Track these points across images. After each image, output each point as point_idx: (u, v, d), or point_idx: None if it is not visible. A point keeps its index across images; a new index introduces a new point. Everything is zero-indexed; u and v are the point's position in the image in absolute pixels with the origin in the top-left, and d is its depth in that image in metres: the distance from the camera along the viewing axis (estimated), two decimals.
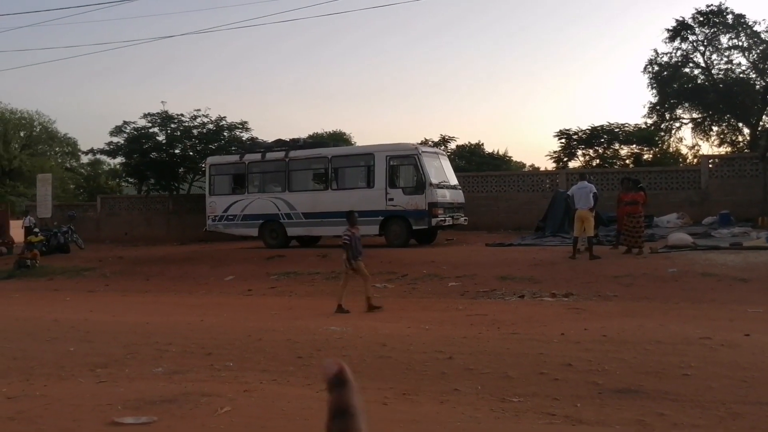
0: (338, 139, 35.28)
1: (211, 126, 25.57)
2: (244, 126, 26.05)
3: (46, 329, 8.26)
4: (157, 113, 25.64)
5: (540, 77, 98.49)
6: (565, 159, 26.75)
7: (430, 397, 4.76)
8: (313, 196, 17.59)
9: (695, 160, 27.82)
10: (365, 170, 16.92)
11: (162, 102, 50.13)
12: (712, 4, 26.65)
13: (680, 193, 19.27)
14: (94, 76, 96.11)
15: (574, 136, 26.37)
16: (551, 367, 5.34)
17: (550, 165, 27.30)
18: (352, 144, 32.09)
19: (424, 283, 11.89)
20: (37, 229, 21.32)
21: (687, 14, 28.51)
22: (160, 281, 14.75)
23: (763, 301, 8.82)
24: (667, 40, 27.96)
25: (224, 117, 25.67)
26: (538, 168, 36.37)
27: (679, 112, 29.66)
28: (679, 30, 27.48)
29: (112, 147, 26.04)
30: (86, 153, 32.55)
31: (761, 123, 27.42)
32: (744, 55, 27.61)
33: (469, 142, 33.52)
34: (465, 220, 17.07)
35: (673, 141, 30.37)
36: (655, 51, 28.95)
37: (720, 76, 27.72)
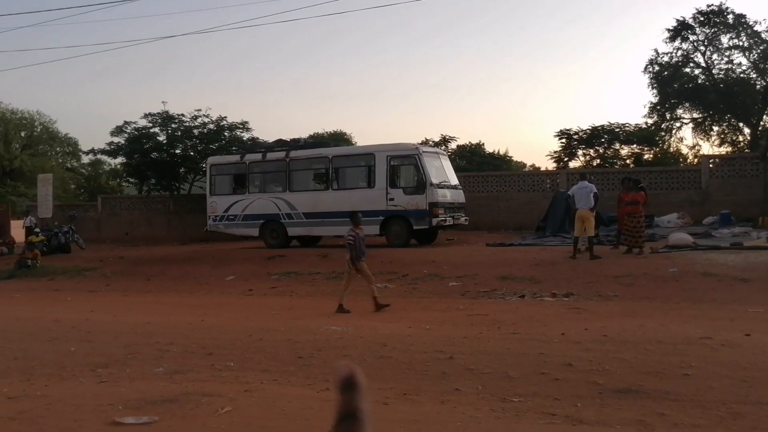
0: (339, 139, 35.29)
1: (211, 126, 25.59)
2: (244, 126, 26.09)
3: (47, 329, 8.27)
4: (158, 113, 25.67)
5: (540, 77, 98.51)
6: (566, 159, 26.75)
7: (430, 397, 4.76)
8: (314, 196, 17.60)
9: (696, 160, 27.81)
10: (366, 170, 16.93)
11: (163, 102, 50.30)
12: (712, 4, 26.68)
13: (681, 193, 19.27)
14: (95, 76, 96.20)
15: (575, 136, 26.36)
16: (552, 367, 5.34)
17: (551, 165, 27.33)
18: (353, 144, 32.10)
19: (425, 283, 11.89)
20: (38, 229, 21.35)
21: (687, 14, 28.54)
22: (161, 281, 14.76)
23: (763, 301, 8.81)
24: (667, 40, 27.99)
25: (225, 117, 25.74)
26: (539, 168, 36.39)
27: (679, 112, 29.67)
28: (680, 30, 27.47)
29: (112, 147, 26.07)
30: (87, 153, 32.63)
31: (762, 123, 27.42)
32: (744, 55, 27.62)
33: (469, 142, 33.56)
34: (466, 220, 17.07)
35: (674, 141, 30.41)
36: (656, 51, 28.99)
37: (720, 76, 27.72)
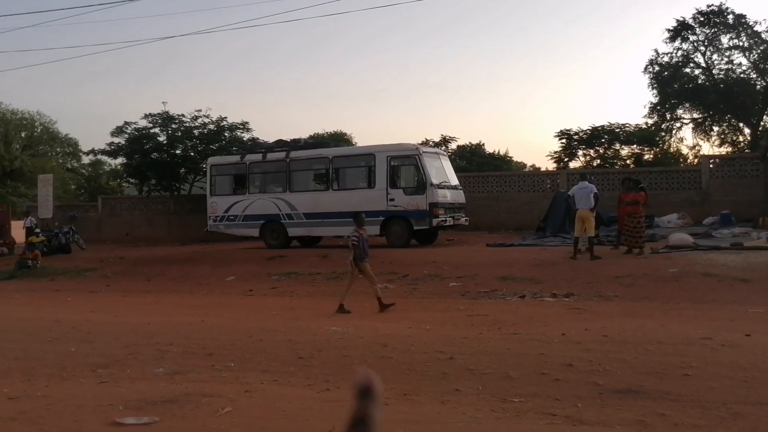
0: (339, 139, 35.29)
1: (212, 126, 25.60)
2: (245, 126, 26.11)
3: (47, 330, 8.27)
4: (158, 114, 25.70)
5: (540, 77, 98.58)
6: (566, 159, 26.75)
7: (431, 397, 4.76)
8: (314, 197, 17.60)
9: (696, 161, 27.81)
10: (366, 170, 16.93)
11: (163, 102, 50.12)
12: (712, 4, 26.70)
13: (681, 194, 19.26)
14: (96, 77, 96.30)
15: (575, 137, 26.36)
16: (552, 368, 5.34)
17: (551, 165, 27.34)
18: (353, 144, 32.10)
19: (425, 283, 11.89)
20: (38, 230, 21.38)
21: (688, 14, 28.56)
22: (162, 282, 14.76)
23: (763, 301, 8.81)
24: (667, 40, 28.01)
25: (225, 117, 25.76)
26: (539, 168, 36.38)
27: (679, 112, 29.68)
28: (680, 30, 27.48)
29: (113, 147, 26.09)
30: (87, 153, 32.67)
31: (762, 123, 27.43)
32: (744, 55, 27.63)
33: (469, 143, 33.54)
34: (466, 220, 17.07)
35: (674, 141, 30.42)
36: (656, 51, 29.02)
37: (721, 76, 27.73)
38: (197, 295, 12.89)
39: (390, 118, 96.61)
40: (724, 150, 28.91)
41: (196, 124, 25.64)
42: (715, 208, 18.19)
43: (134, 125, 25.94)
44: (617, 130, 25.92)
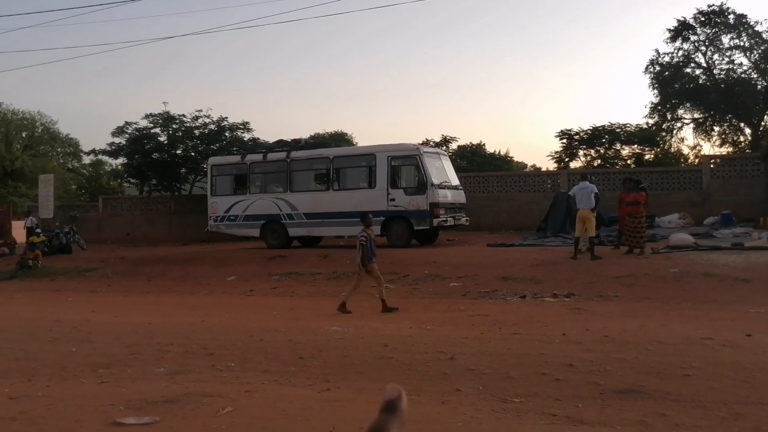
0: (339, 139, 35.30)
1: (212, 126, 25.62)
2: (245, 126, 26.12)
3: (48, 330, 8.28)
4: (159, 114, 25.71)
5: (540, 77, 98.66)
6: (567, 159, 26.73)
7: (431, 397, 4.76)
8: (315, 197, 17.60)
9: (697, 161, 27.79)
10: (367, 170, 16.92)
11: (164, 102, 50.29)
12: (713, 4, 26.68)
13: (682, 194, 19.25)
14: (96, 77, 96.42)
15: (576, 137, 26.35)
16: (553, 368, 5.33)
17: (552, 165, 27.32)
18: (354, 144, 32.11)
19: (426, 283, 11.89)
20: (39, 230, 21.40)
21: (688, 14, 28.54)
22: (162, 282, 14.76)
23: (764, 301, 8.80)
24: (668, 40, 28.00)
25: (226, 117, 25.78)
26: (540, 168, 36.36)
27: (680, 112, 29.66)
28: (681, 30, 27.47)
29: (113, 147, 26.11)
30: (88, 153, 32.76)
31: (763, 123, 27.41)
32: (745, 55, 27.62)
33: (470, 143, 33.55)
34: (466, 220, 17.07)
35: (675, 141, 30.41)
36: (657, 51, 29.01)
37: (721, 76, 27.71)
38: (198, 295, 12.90)
39: (390, 118, 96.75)
40: (725, 150, 28.92)
41: (197, 124, 25.67)
42: (715, 208, 18.18)
43: (135, 125, 25.99)
44: (618, 130, 25.91)
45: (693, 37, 27.65)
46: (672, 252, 12.57)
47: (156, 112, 25.75)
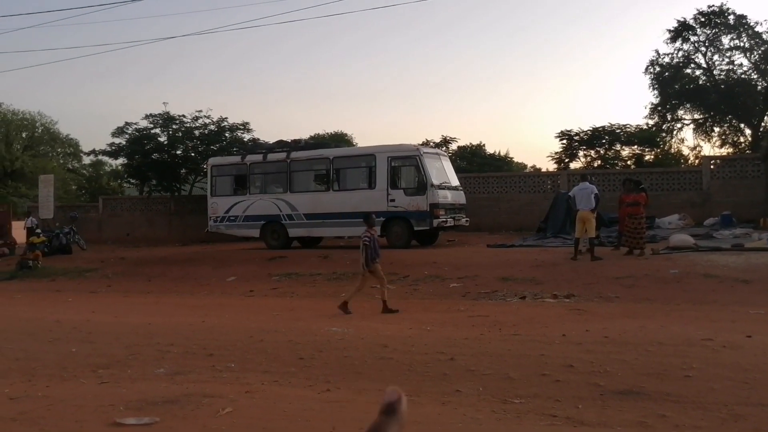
0: (339, 140, 35.31)
1: (212, 127, 25.62)
2: (245, 127, 26.13)
3: (48, 330, 8.28)
4: (159, 114, 25.71)
5: (540, 77, 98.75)
6: (567, 160, 26.72)
7: (431, 398, 4.76)
8: (315, 197, 17.60)
9: (697, 161, 27.79)
10: (367, 171, 16.92)
11: (164, 103, 50.29)
12: (713, 5, 26.70)
13: (682, 194, 19.25)
14: (96, 77, 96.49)
15: (576, 137, 26.33)
16: (553, 369, 5.33)
17: (552, 166, 27.30)
18: (354, 145, 32.11)
19: (426, 284, 11.89)
20: (39, 230, 21.40)
21: (688, 15, 28.55)
22: (162, 282, 14.76)
23: (764, 302, 8.80)
24: (668, 41, 28.01)
25: (226, 118, 25.79)
26: (540, 169, 36.36)
27: (680, 113, 29.68)
28: (681, 31, 27.49)
29: (113, 148, 26.11)
30: (88, 154, 32.74)
31: (763, 124, 27.42)
32: (745, 55, 27.63)
33: (470, 143, 33.56)
34: (466, 221, 17.06)
35: (675, 142, 30.42)
36: (657, 52, 29.02)
37: (721, 76, 27.72)
38: (198, 295, 12.90)
39: (390, 119, 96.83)
40: (725, 151, 28.93)
41: (197, 124, 25.67)
42: (716, 209, 18.18)
43: (135, 126, 25.97)
44: (618, 131, 25.90)
45: (693, 38, 27.68)
46: (672, 253, 12.57)
47: (156, 113, 25.79)
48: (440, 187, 15.99)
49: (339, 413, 4.37)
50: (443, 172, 16.74)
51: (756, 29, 26.67)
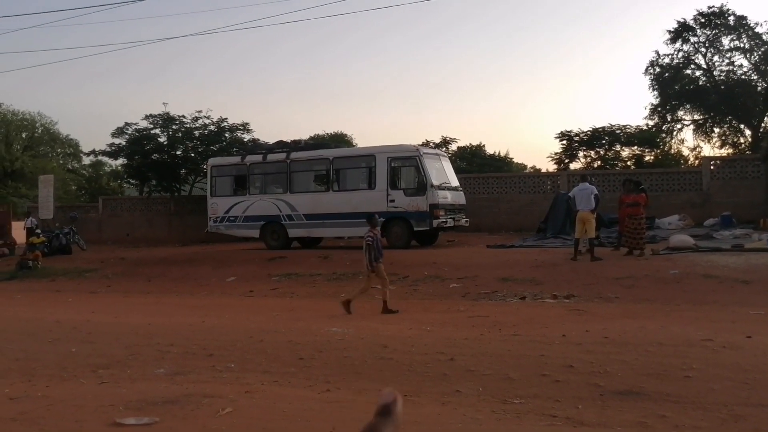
0: (339, 140, 35.31)
1: (212, 127, 25.63)
2: (245, 127, 26.14)
3: (48, 330, 8.28)
4: (159, 114, 25.72)
5: (540, 77, 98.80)
6: (567, 160, 26.72)
7: (431, 398, 4.76)
8: (315, 198, 17.60)
9: (697, 162, 27.79)
10: (366, 171, 16.92)
11: (164, 103, 50.21)
12: (713, 6, 26.70)
13: (682, 195, 19.25)
14: (97, 78, 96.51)
15: (576, 138, 26.34)
16: (553, 369, 5.33)
17: (552, 166, 27.32)
18: (354, 145, 32.12)
19: (426, 284, 11.89)
20: (39, 231, 21.39)
21: (688, 15, 28.57)
22: (162, 282, 14.76)
23: (764, 303, 8.80)
24: (668, 42, 28.00)
25: (226, 118, 25.79)
26: (540, 169, 36.39)
27: (680, 113, 29.67)
28: (681, 31, 27.49)
29: (113, 148, 26.11)
30: (88, 154, 32.71)
31: (763, 124, 27.42)
32: (745, 56, 27.62)
33: (470, 144, 33.57)
34: (466, 221, 17.06)
35: (675, 142, 30.41)
36: (657, 52, 29.01)
37: (721, 77, 27.72)
38: (198, 295, 12.90)
39: (390, 119, 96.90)
40: (725, 151, 28.93)
41: (197, 125, 25.67)
42: (715, 209, 18.18)
43: (135, 126, 25.97)
44: (618, 132, 25.90)
45: (693, 39, 27.68)
46: (672, 253, 12.57)
47: (156, 113, 25.80)
48: (440, 187, 15.99)
49: (339, 413, 4.37)
50: (443, 173, 16.75)
51: (756, 30, 26.69)
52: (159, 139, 25.85)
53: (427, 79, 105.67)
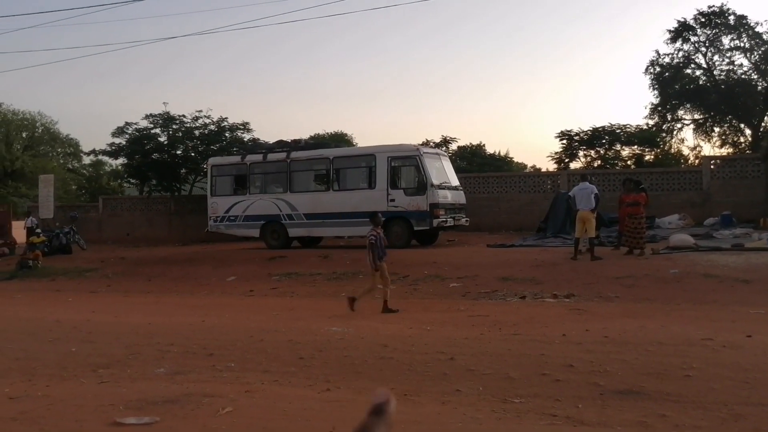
0: (339, 140, 35.31)
1: (212, 127, 25.62)
2: (245, 127, 26.13)
3: (48, 330, 8.28)
4: (159, 114, 25.71)
5: (540, 77, 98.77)
6: (567, 160, 26.71)
7: (431, 397, 4.76)
8: (315, 197, 17.60)
9: (697, 161, 27.79)
10: (367, 171, 16.92)
11: (164, 103, 50.26)
12: (713, 5, 26.69)
13: (682, 194, 19.24)
14: (97, 77, 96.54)
15: (576, 137, 26.32)
16: (553, 368, 5.33)
17: (552, 166, 27.29)
18: (354, 145, 32.12)
19: (426, 284, 11.89)
20: (39, 230, 21.39)
21: (689, 15, 28.54)
22: (162, 282, 14.76)
23: (764, 302, 8.80)
24: (668, 41, 28.00)
25: (226, 118, 25.79)
26: (540, 169, 36.36)
27: (680, 113, 29.68)
28: (681, 31, 27.49)
29: (114, 148, 26.11)
30: (88, 154, 32.76)
31: (763, 124, 27.42)
32: (746, 56, 27.63)
33: (470, 143, 33.54)
34: (466, 221, 17.06)
35: (675, 142, 30.42)
36: (657, 52, 29.01)
37: (722, 77, 27.72)
38: (198, 295, 12.90)
39: (390, 118, 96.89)
40: (725, 151, 28.93)
41: (197, 124, 25.67)
42: (716, 209, 18.18)
43: (135, 126, 25.98)
44: (618, 131, 25.88)
45: (693, 38, 27.68)
46: (672, 253, 12.57)
47: (156, 113, 25.79)
48: (440, 187, 15.99)
49: (339, 413, 4.37)
50: (443, 172, 16.74)
51: (756, 29, 26.69)
52: (159, 138, 25.86)
53: (426, 78, 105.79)
